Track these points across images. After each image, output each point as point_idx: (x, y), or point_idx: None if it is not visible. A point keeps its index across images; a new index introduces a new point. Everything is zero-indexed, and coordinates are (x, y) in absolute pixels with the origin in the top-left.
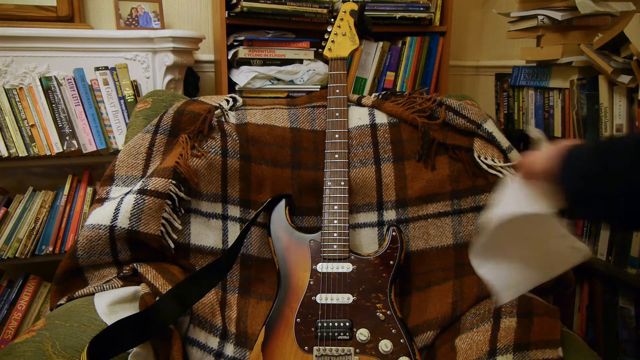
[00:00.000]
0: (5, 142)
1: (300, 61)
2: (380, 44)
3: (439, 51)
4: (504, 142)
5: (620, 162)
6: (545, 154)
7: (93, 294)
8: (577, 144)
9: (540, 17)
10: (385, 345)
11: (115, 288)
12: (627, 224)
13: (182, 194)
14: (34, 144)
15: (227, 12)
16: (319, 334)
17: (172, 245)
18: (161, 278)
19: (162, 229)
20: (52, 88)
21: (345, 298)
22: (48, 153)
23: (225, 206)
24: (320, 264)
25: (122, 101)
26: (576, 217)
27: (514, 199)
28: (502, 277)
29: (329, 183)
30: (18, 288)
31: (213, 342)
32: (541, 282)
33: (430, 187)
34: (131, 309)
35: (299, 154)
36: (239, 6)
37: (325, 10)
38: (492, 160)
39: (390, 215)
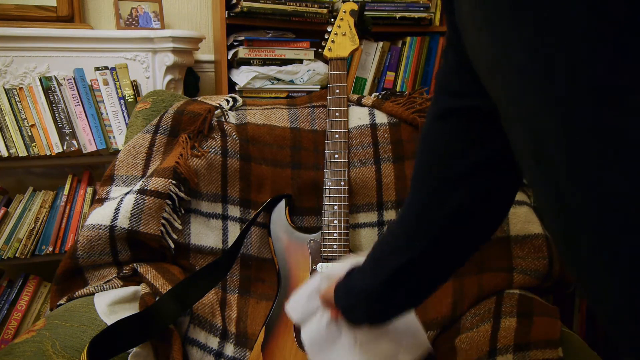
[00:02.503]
0: (5, 142)
1: (300, 61)
2: (380, 44)
3: (439, 51)
4: None
5: (357, 279)
6: (329, 290)
7: (93, 294)
8: (342, 281)
9: None
10: None
11: (115, 288)
12: (372, 322)
13: (182, 194)
14: (34, 144)
15: (227, 12)
16: None
17: (172, 245)
18: (161, 278)
19: (162, 229)
20: (52, 88)
21: None
22: (48, 153)
23: (225, 206)
24: (320, 264)
25: (122, 101)
26: (356, 322)
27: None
28: None
29: (329, 183)
30: (18, 288)
31: (213, 342)
32: None
33: None
34: (131, 309)
35: (299, 154)
36: (239, 6)
37: (325, 10)
38: None
39: (390, 215)
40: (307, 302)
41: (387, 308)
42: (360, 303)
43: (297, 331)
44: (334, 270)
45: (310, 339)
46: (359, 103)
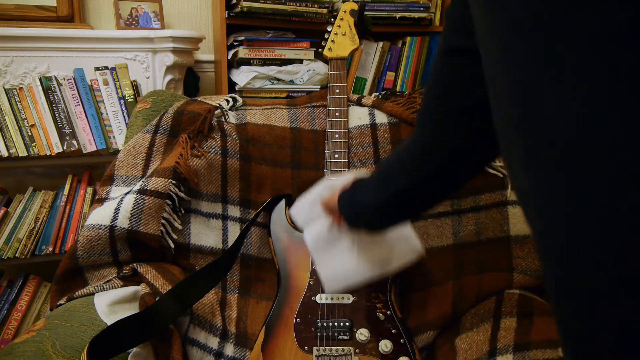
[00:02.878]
0: (5, 142)
1: (300, 61)
2: (380, 44)
3: None
4: None
5: (362, 192)
6: (332, 198)
7: (93, 294)
8: (347, 186)
9: None
10: (385, 345)
11: (115, 288)
12: (373, 229)
13: (182, 194)
14: (34, 144)
15: (227, 12)
16: (319, 334)
17: (172, 245)
18: (161, 278)
19: (162, 229)
20: (52, 88)
21: (345, 298)
22: (48, 153)
23: (225, 206)
24: None
25: (122, 101)
26: (356, 228)
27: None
28: (331, 271)
29: None
30: (18, 288)
31: (213, 342)
32: (372, 277)
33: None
34: (131, 309)
35: (299, 153)
36: (239, 6)
37: (325, 10)
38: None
39: None
40: (310, 208)
41: (387, 219)
42: (363, 214)
43: (297, 331)
44: (336, 182)
45: (312, 239)
46: (359, 103)
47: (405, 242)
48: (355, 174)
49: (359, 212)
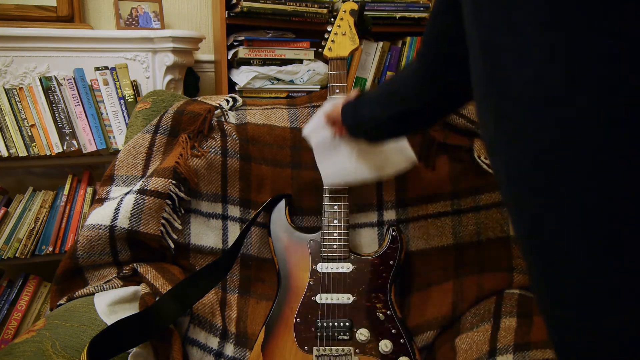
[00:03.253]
0: (5, 142)
1: (300, 61)
2: (380, 44)
3: None
4: None
5: (364, 108)
6: (336, 109)
7: (93, 294)
8: (351, 99)
9: None
10: (385, 345)
11: (115, 288)
12: (371, 141)
13: (182, 194)
14: (34, 144)
15: (227, 12)
16: (319, 334)
17: (172, 245)
18: (161, 278)
19: (162, 229)
20: (52, 88)
21: (345, 298)
22: (48, 153)
23: (225, 206)
24: (320, 264)
25: (122, 101)
26: (356, 137)
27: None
28: (330, 168)
29: None
30: (18, 288)
31: (213, 342)
32: (367, 179)
33: (430, 187)
34: (131, 309)
35: (299, 153)
36: (239, 6)
37: (325, 10)
38: None
39: (390, 215)
40: (316, 120)
41: (386, 134)
42: (365, 126)
43: (297, 331)
44: (339, 99)
45: (316, 143)
46: None
47: (400, 152)
48: (356, 91)
49: (360, 124)
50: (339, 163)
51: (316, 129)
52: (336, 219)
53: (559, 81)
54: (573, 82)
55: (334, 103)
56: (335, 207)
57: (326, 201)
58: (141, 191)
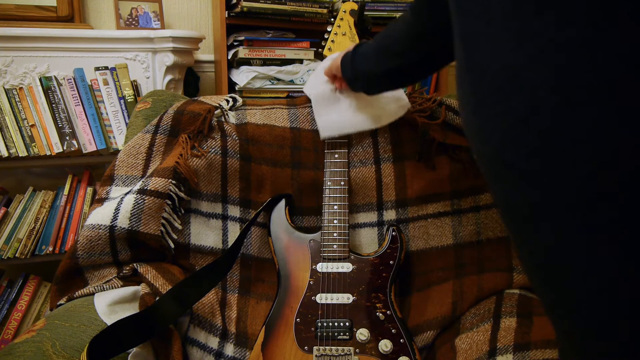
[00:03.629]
0: (5, 142)
1: (300, 61)
2: None
3: None
4: None
5: (361, 62)
6: (335, 63)
7: (93, 294)
8: (349, 51)
9: None
10: (385, 345)
11: (115, 288)
12: (369, 93)
13: (182, 194)
14: (34, 144)
15: (227, 12)
16: (319, 333)
17: (172, 245)
18: (161, 278)
19: (162, 229)
20: (52, 88)
21: (345, 298)
22: (48, 153)
23: (225, 206)
24: (320, 263)
25: (122, 101)
26: (355, 89)
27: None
28: (328, 120)
29: (328, 183)
30: (18, 288)
31: (213, 342)
32: (365, 129)
33: (430, 187)
34: (131, 309)
35: (299, 153)
36: (239, 6)
37: (325, 10)
38: None
39: (390, 215)
40: (316, 77)
41: (382, 86)
42: (362, 79)
43: (297, 331)
44: (338, 55)
45: (316, 96)
46: None
47: (396, 101)
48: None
49: (357, 77)
50: (337, 115)
51: (316, 84)
52: (336, 219)
53: (524, 66)
54: (535, 64)
55: (333, 58)
56: (335, 207)
57: (326, 201)
58: (141, 191)
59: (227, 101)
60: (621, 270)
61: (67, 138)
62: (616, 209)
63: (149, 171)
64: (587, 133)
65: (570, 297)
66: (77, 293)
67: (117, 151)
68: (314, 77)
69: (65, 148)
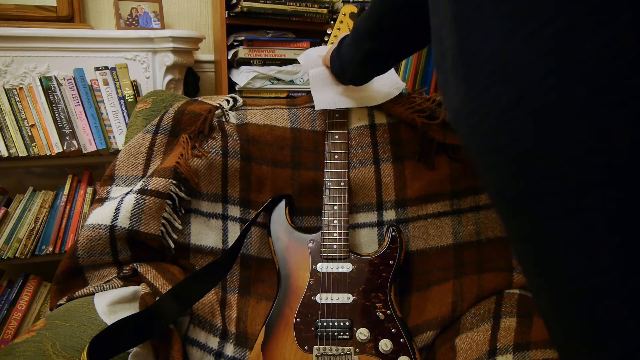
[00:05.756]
0: (5, 142)
1: None
2: None
3: None
4: None
5: (345, 53)
6: (327, 57)
7: (93, 294)
8: (335, 48)
9: None
10: (385, 345)
11: (115, 288)
12: (356, 84)
13: (182, 194)
14: (34, 144)
15: (227, 12)
16: (319, 333)
17: (172, 245)
18: (161, 278)
19: (163, 228)
20: (52, 88)
21: (345, 298)
22: (48, 153)
23: (225, 206)
24: (320, 263)
25: (122, 101)
26: (343, 82)
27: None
28: (324, 95)
29: (328, 183)
30: (18, 288)
31: (213, 342)
32: (361, 105)
33: (430, 187)
34: (131, 309)
35: (299, 154)
36: (239, 6)
37: (325, 10)
38: None
39: (390, 215)
40: (315, 54)
41: (366, 72)
42: (347, 69)
43: (297, 331)
44: (332, 46)
45: (313, 76)
46: None
47: (390, 82)
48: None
49: (344, 68)
50: (333, 95)
51: (314, 62)
52: (336, 219)
53: (517, 50)
54: (528, 48)
55: (330, 48)
56: (335, 207)
57: (326, 201)
58: (141, 191)
59: (228, 101)
60: (616, 257)
61: (67, 138)
62: (611, 191)
63: (150, 171)
64: (581, 116)
65: (559, 281)
66: (77, 293)
67: (117, 151)
68: (312, 52)
69: (65, 148)
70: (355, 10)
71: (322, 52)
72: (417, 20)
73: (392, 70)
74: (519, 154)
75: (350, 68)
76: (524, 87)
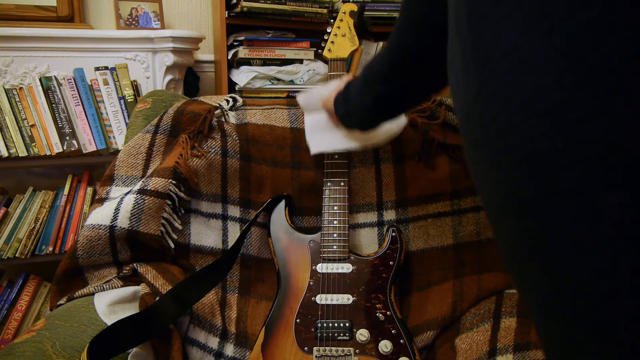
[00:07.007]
0: (5, 142)
1: (300, 61)
2: (380, 44)
3: None
4: None
5: (352, 95)
6: (330, 99)
7: (93, 294)
8: (341, 89)
9: None
10: (385, 346)
11: (115, 288)
12: (364, 129)
13: (182, 194)
14: (34, 144)
15: (227, 12)
16: (319, 334)
17: (172, 245)
18: (161, 278)
19: (162, 229)
20: (52, 88)
21: (345, 298)
22: (48, 153)
23: (225, 206)
24: (320, 264)
25: (122, 101)
26: (350, 127)
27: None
28: (320, 139)
29: (328, 183)
30: (18, 288)
31: (213, 342)
32: (359, 148)
33: (430, 187)
34: (131, 309)
35: (299, 154)
36: (239, 6)
37: (325, 10)
38: None
39: (390, 215)
40: (314, 102)
41: (374, 117)
42: (354, 113)
43: (297, 331)
44: (335, 84)
45: (310, 122)
46: None
47: (392, 121)
48: (349, 77)
49: (351, 112)
50: (331, 136)
51: (311, 105)
52: (336, 220)
53: (534, 48)
54: (545, 45)
55: (329, 90)
56: (335, 207)
57: (326, 201)
58: (141, 191)
59: (227, 101)
60: (623, 257)
61: (67, 138)
62: (624, 194)
63: (149, 171)
64: (598, 115)
65: (567, 286)
66: (77, 293)
67: (117, 151)
68: (313, 93)
69: (65, 148)
70: (355, 8)
71: (323, 92)
72: (436, 63)
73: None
74: (534, 152)
75: (358, 112)
76: (540, 84)
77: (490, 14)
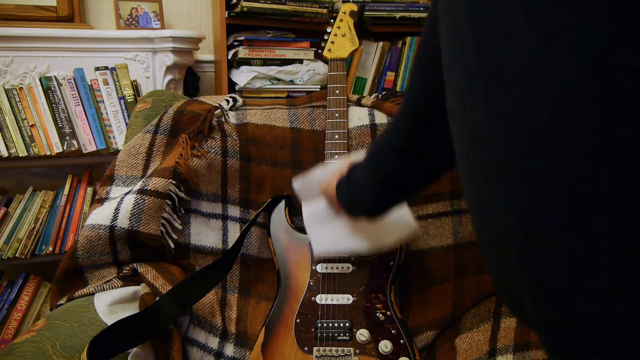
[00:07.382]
0: (5, 142)
1: (300, 61)
2: (380, 44)
3: None
4: None
5: (357, 179)
6: (330, 185)
7: (93, 294)
8: (343, 174)
9: None
10: (385, 346)
11: (115, 288)
12: (371, 215)
13: (182, 194)
14: (34, 144)
15: (227, 12)
16: (319, 334)
17: (172, 245)
18: (161, 278)
19: (162, 229)
20: (52, 88)
21: (345, 299)
22: (48, 153)
23: (225, 206)
24: (320, 264)
25: (122, 101)
26: (355, 215)
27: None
28: (323, 237)
29: None
30: (18, 288)
31: (213, 342)
32: (365, 250)
33: (430, 187)
34: (131, 309)
35: (299, 154)
36: (239, 6)
37: (325, 10)
38: None
39: None
40: (311, 188)
41: (383, 203)
42: (360, 199)
43: (297, 331)
44: (335, 166)
45: (309, 215)
46: (358, 103)
47: (399, 220)
48: (352, 157)
49: (356, 198)
50: (334, 233)
51: (309, 193)
52: None
53: (549, 65)
54: (561, 62)
55: (329, 174)
56: None
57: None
58: (141, 191)
59: (227, 101)
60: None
61: (67, 138)
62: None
63: (149, 171)
64: (614, 135)
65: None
66: (77, 293)
67: (117, 151)
68: (311, 178)
69: (65, 148)
70: (355, 8)
71: (322, 176)
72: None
73: (406, 207)
74: (559, 174)
75: (365, 195)
76: (557, 104)
77: (501, 31)
